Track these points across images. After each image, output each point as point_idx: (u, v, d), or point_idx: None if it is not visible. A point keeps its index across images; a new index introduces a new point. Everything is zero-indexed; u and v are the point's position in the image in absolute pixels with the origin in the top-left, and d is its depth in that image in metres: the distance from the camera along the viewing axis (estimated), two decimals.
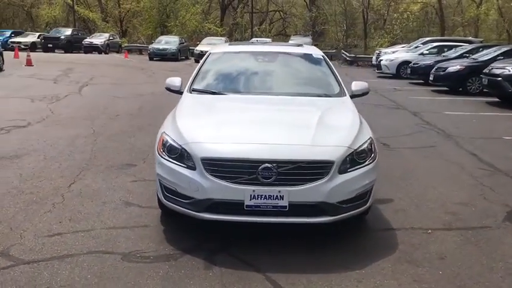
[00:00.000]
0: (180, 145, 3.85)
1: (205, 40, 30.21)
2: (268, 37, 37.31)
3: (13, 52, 25.99)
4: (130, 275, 3.40)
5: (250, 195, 3.61)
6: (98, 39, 35.32)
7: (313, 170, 3.67)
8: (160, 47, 28.73)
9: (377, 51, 25.15)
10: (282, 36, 45.38)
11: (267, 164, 3.60)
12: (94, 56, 31.21)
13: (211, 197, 3.67)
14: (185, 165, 3.79)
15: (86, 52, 33.76)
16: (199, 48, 27.65)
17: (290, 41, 28.92)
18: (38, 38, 35.82)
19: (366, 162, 3.93)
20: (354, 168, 3.83)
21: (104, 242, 3.91)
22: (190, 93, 5.00)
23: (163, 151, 3.98)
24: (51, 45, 33.91)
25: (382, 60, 21.30)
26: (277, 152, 3.68)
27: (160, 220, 4.36)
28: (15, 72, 17.74)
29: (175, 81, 5.24)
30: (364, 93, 5.27)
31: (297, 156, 3.67)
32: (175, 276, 3.41)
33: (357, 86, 5.22)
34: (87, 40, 34.97)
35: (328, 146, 3.79)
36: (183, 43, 31.00)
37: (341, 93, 5.01)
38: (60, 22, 43.57)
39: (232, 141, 3.81)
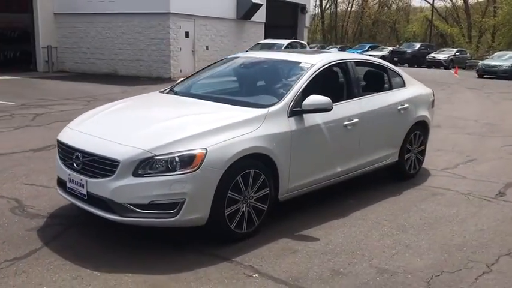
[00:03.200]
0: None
1: None
2: None
3: None
4: None
5: (68, 178, 3.96)
6: (443, 54, 34.78)
7: (105, 166, 3.70)
8: (492, 63, 25.68)
9: None
10: None
11: (77, 153, 3.86)
12: (426, 71, 30.52)
13: (57, 174, 4.22)
14: None
15: (428, 67, 33.86)
16: None
17: None
18: (389, 52, 37.82)
19: (175, 172, 3.57)
20: (152, 174, 3.58)
21: (25, 194, 4.93)
22: (166, 93, 5.27)
23: None
24: (396, 59, 34.94)
25: None
26: (85, 143, 3.91)
27: None
28: None
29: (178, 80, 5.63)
30: (317, 110, 4.33)
31: (94, 150, 3.80)
32: (12, 230, 4.08)
33: (311, 100, 4.31)
34: (431, 55, 34.94)
35: (124, 146, 3.71)
36: None
37: (275, 105, 4.30)
38: (418, 37, 44.61)
39: (73, 129, 4.25)
